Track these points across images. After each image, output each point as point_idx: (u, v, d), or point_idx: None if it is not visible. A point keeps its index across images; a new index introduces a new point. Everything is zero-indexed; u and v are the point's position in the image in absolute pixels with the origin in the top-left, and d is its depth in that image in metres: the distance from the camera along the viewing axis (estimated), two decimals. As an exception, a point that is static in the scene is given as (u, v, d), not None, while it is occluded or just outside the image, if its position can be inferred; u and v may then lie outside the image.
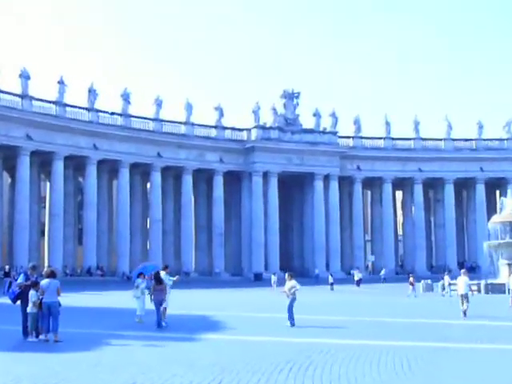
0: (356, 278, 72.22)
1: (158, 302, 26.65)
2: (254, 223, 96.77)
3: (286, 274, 28.41)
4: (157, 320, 26.44)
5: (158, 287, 26.79)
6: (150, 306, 28.10)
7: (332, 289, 65.33)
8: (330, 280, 67.20)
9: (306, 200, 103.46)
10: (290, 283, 27.81)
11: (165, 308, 27.45)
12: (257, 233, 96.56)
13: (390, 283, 79.02)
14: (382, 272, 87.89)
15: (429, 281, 63.40)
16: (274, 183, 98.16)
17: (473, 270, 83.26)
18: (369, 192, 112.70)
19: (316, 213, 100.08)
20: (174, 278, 29.56)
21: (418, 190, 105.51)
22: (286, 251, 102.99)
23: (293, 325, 26.95)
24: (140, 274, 29.58)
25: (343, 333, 25.18)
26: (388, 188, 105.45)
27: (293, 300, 27.55)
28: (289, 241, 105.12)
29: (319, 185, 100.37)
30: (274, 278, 68.65)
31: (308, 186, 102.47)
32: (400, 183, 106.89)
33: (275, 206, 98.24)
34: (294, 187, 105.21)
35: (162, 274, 27.81)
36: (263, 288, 68.73)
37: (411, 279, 55.09)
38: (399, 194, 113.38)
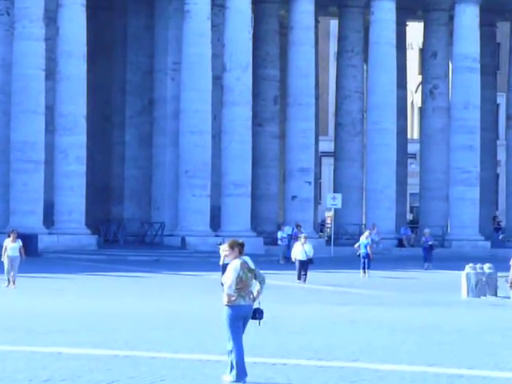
0: (296, 256, 29.09)
1: None
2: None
3: (228, 244, 10.43)
4: None
5: None
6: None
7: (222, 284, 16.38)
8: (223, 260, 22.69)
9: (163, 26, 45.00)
10: (234, 262, 10.13)
11: None
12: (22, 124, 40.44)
13: (381, 269, 34.47)
14: (364, 238, 33.40)
15: (487, 266, 26.17)
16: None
17: None
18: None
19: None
20: None
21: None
22: (102, 173, 45.88)
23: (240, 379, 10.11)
24: None
25: None
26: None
27: (241, 314, 10.03)
28: (112, 141, 46.83)
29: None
30: (7, 247, 25.44)
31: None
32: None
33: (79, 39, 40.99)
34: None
35: None
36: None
37: None
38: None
